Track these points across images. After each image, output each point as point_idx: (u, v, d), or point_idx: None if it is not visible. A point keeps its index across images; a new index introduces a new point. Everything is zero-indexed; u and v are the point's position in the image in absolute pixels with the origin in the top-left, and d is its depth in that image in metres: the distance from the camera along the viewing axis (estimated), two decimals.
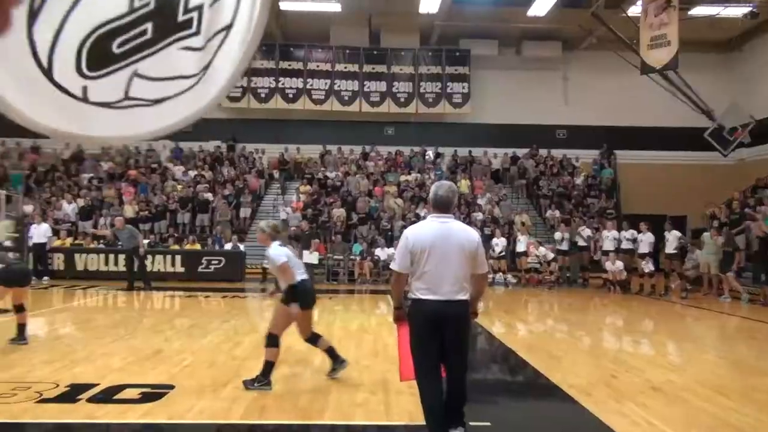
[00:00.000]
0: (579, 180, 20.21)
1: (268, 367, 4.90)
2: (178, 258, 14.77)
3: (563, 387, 5.13)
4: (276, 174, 19.92)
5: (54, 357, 5.99)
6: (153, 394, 4.71)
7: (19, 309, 6.65)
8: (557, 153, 21.39)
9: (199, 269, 14.65)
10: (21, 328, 6.66)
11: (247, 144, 21.04)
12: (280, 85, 20.89)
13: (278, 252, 4.88)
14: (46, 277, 13.92)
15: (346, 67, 21.04)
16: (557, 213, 18.15)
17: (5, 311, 7.12)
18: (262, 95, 20.90)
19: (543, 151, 21.45)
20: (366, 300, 11.44)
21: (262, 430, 4.05)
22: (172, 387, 4.91)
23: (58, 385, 4.87)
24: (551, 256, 15.00)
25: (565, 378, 5.43)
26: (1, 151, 20.25)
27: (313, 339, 5.28)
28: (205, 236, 16.44)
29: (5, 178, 18.19)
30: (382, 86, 21.14)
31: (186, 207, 17.36)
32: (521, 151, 21.38)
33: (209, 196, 17.82)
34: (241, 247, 15.49)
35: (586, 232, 15.32)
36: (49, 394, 4.63)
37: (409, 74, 21.25)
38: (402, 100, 21.21)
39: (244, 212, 17.74)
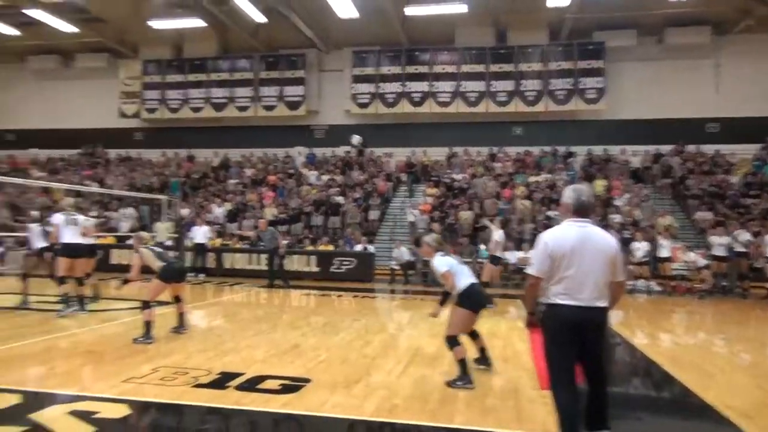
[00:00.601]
0: (735, 178, 18.15)
1: (463, 365, 5.13)
2: (312, 258, 15.41)
3: (719, 408, 4.64)
4: (403, 177, 20.20)
5: (207, 346, 6.53)
6: (292, 386, 4.95)
7: (177, 300, 7.40)
8: (708, 149, 19.42)
9: (332, 269, 15.15)
10: (181, 317, 7.41)
11: (375, 148, 21.55)
12: (406, 90, 21.20)
13: (440, 262, 5.33)
14: (202, 274, 15.18)
15: (471, 68, 20.83)
16: (709, 215, 16.44)
17: (166, 303, 7.89)
18: (390, 100, 21.35)
19: (691, 147, 19.60)
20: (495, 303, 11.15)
21: (392, 429, 4.11)
22: (308, 380, 5.13)
23: (210, 372, 5.32)
24: (703, 262, 13.60)
25: (720, 398, 4.90)
26: (162, 161, 22.71)
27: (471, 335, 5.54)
28: (337, 238, 17.01)
29: (166, 185, 20.33)
30: (510, 85, 20.64)
31: (319, 210, 18.07)
32: (665, 148, 19.71)
33: (340, 199, 18.44)
34: (371, 248, 15.87)
35: (745, 236, 13.71)
36: (203, 380, 5.06)
37: (538, 72, 20.53)
38: (530, 98, 20.55)
39: (373, 214, 18.11)
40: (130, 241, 17.05)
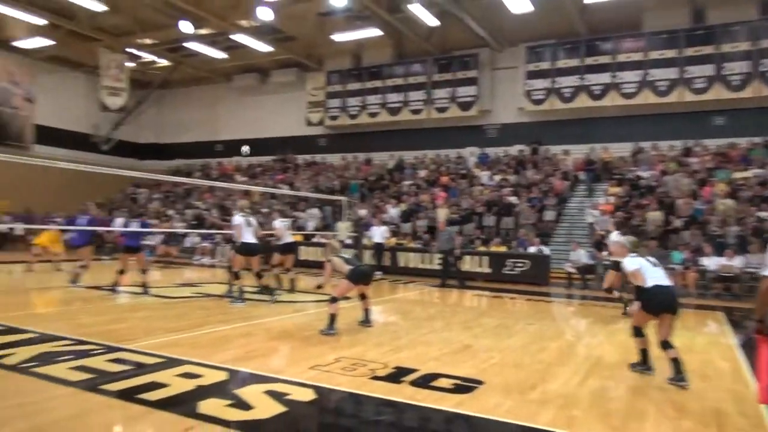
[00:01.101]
0: None
1: (643, 354, 5.52)
2: (485, 259, 15.28)
3: None
4: (581, 175, 19.08)
5: (383, 341, 6.78)
6: (464, 386, 4.95)
7: (363, 297, 7.88)
8: None
9: (504, 270, 14.92)
10: (366, 312, 7.86)
11: (551, 146, 20.66)
12: (585, 83, 19.99)
13: (629, 261, 5.47)
14: (379, 272, 15.90)
15: (661, 54, 18.92)
16: None
17: (346, 298, 8.39)
18: (567, 95, 20.30)
19: None
20: (690, 315, 10.05)
21: None
22: (481, 382, 5.09)
23: (386, 366, 5.53)
24: None
25: None
26: (343, 164, 24.26)
27: (665, 345, 5.31)
28: (509, 239, 16.69)
29: (346, 187, 21.67)
30: (709, 70, 18.33)
31: (491, 210, 17.89)
32: None
33: (513, 199, 18.04)
34: (546, 250, 15.27)
35: None
36: (380, 373, 5.28)
37: (745, 52, 17.94)
38: (735, 83, 18.03)
39: (549, 215, 17.41)
40: (316, 239, 18.82)
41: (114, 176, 10.81)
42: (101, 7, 19.36)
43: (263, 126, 26.60)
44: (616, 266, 9.47)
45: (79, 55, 25.02)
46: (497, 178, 19.85)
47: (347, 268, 7.35)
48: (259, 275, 9.70)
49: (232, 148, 27.50)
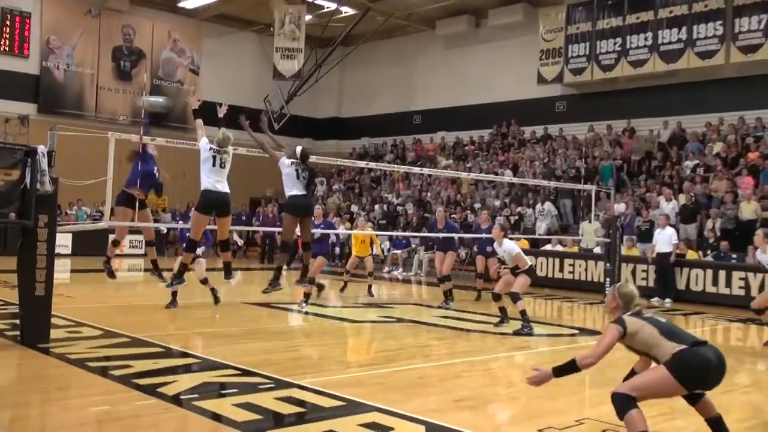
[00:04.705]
0: None
1: None
2: None
3: None
4: None
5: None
6: None
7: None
8: None
9: None
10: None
11: None
12: None
13: None
14: (668, 300, 15.57)
15: None
16: None
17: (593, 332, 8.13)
18: None
19: None
20: None
21: None
22: None
23: None
24: None
25: None
26: (590, 138, 23.44)
27: None
28: None
29: (596, 171, 20.98)
30: None
31: None
32: None
33: None
34: None
35: None
36: None
37: None
38: None
39: None
40: (547, 246, 18.29)
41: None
42: None
43: (477, 88, 26.89)
44: None
45: (251, 10, 27.81)
46: None
47: (669, 349, 4.82)
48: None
49: (432, 119, 28.37)
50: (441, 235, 13.40)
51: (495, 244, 10.88)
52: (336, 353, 8.23)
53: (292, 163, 9.16)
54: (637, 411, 4.56)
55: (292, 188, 9.11)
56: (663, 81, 22.67)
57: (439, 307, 12.66)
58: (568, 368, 4.79)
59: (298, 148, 9.37)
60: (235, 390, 6.22)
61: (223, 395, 6.09)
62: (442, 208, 14.76)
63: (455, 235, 14.24)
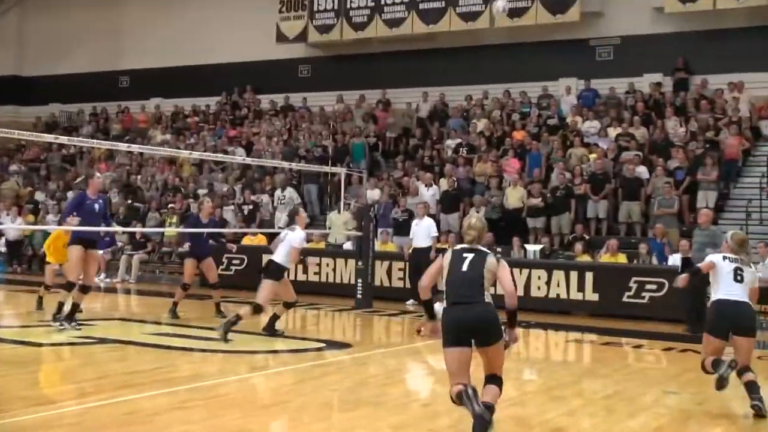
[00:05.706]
0: None
1: None
2: (588, 277, 15.43)
3: None
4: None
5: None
6: None
7: None
8: None
9: (625, 298, 15.09)
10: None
11: (710, 75, 20.03)
12: None
13: None
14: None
15: None
16: None
17: None
18: None
19: None
20: None
21: None
22: None
23: None
24: None
25: None
26: (339, 110, 23.14)
27: None
28: (634, 241, 16.82)
29: (346, 150, 20.52)
30: None
31: (601, 190, 17.58)
32: None
33: (641, 170, 17.81)
34: None
35: None
36: None
37: None
38: None
39: (706, 198, 16.90)
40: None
41: None
42: None
43: (202, 45, 25.70)
44: None
45: None
46: (613, 132, 19.39)
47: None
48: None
49: (144, 83, 26.64)
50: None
51: None
52: (16, 387, 7.50)
53: None
54: None
55: None
56: (422, 45, 23.34)
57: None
58: None
59: None
60: None
61: None
62: (209, 199, 14.24)
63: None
